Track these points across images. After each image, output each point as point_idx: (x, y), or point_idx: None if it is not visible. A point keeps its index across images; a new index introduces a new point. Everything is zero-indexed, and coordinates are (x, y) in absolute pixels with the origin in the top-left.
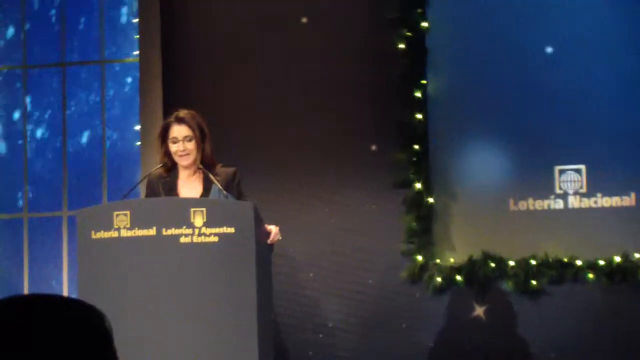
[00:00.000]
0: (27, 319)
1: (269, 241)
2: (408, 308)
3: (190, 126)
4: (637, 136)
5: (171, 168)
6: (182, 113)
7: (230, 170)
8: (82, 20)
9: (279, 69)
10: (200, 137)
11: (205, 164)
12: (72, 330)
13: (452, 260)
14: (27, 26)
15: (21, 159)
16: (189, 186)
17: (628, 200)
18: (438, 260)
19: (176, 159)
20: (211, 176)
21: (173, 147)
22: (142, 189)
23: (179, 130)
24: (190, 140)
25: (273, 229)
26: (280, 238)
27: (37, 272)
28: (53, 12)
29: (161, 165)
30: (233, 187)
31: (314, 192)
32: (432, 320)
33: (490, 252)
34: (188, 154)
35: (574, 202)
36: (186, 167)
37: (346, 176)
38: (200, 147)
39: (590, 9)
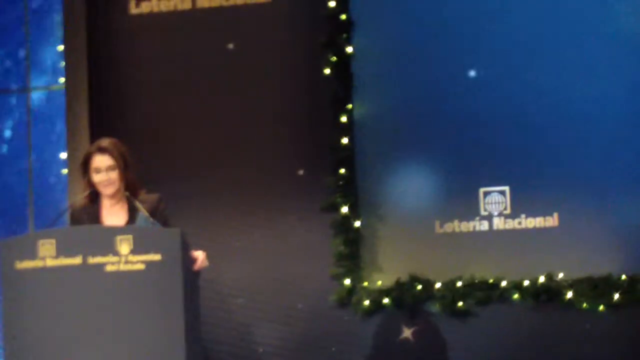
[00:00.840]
0: None
1: (195, 267)
2: (337, 331)
3: (112, 156)
4: (559, 156)
5: (95, 198)
6: (104, 142)
7: (155, 196)
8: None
9: (205, 94)
10: (123, 165)
11: (130, 192)
12: None
13: (379, 283)
14: None
15: None
16: (114, 215)
17: (551, 221)
18: (366, 284)
19: (100, 188)
20: (137, 203)
21: (96, 178)
22: (68, 218)
23: (101, 160)
24: (113, 170)
25: (200, 254)
26: (207, 264)
27: None
28: None
29: (84, 195)
30: (158, 213)
31: (242, 217)
32: (362, 343)
33: (417, 275)
34: (111, 184)
35: (498, 223)
36: (110, 196)
37: (275, 200)
38: (124, 176)
39: (514, 30)
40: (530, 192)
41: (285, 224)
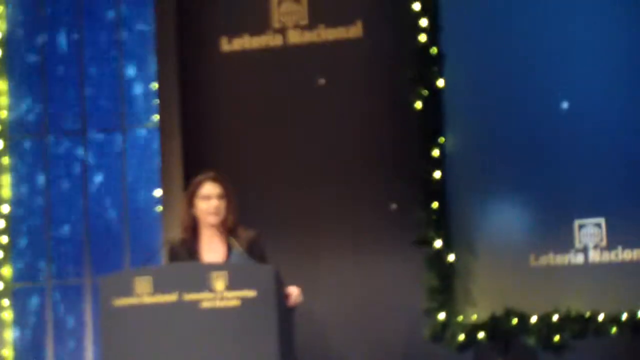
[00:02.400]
0: None
1: (290, 303)
2: None
3: (222, 185)
4: None
5: (194, 231)
6: (214, 173)
7: (253, 232)
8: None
9: (297, 129)
10: (231, 196)
11: (230, 225)
12: None
13: (474, 317)
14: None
15: (44, 226)
16: (212, 250)
17: None
18: (460, 318)
19: (205, 217)
20: (232, 240)
21: (204, 205)
22: (166, 253)
23: (212, 188)
24: (222, 198)
25: (294, 290)
26: (302, 299)
27: (61, 341)
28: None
29: (184, 228)
30: (255, 250)
31: (335, 251)
32: None
33: (512, 308)
34: (218, 213)
35: (594, 256)
36: (212, 227)
37: (367, 235)
38: (230, 208)
39: (607, 62)
40: (627, 223)
41: (378, 258)
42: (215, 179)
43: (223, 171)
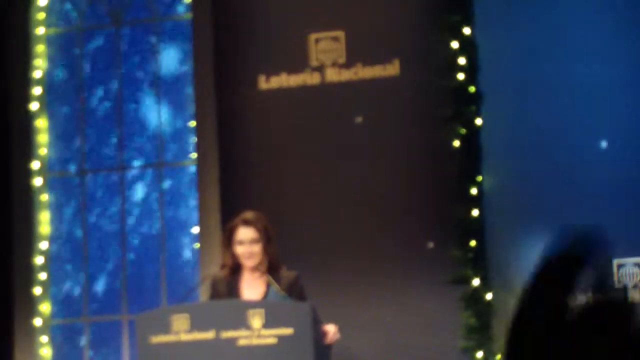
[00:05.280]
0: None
1: (327, 341)
2: None
3: (257, 229)
4: None
5: (235, 269)
6: (249, 215)
7: (293, 274)
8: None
9: (333, 168)
10: (266, 239)
11: (271, 266)
12: None
13: None
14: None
15: (83, 263)
16: (253, 288)
17: None
18: (498, 357)
19: (242, 260)
20: (269, 277)
21: (239, 249)
22: (208, 288)
23: (245, 233)
24: (256, 243)
25: (331, 328)
26: (339, 337)
27: None
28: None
29: (222, 266)
30: (294, 290)
31: (371, 289)
32: None
33: None
34: (252, 257)
35: (634, 295)
36: (251, 269)
37: (404, 273)
38: (266, 250)
39: None
40: None
41: (415, 297)
42: (248, 223)
43: (260, 208)
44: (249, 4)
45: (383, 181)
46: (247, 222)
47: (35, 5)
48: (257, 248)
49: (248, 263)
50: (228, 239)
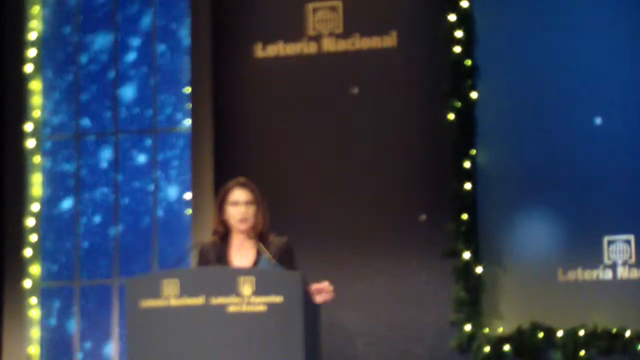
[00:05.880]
0: None
1: (320, 300)
2: None
3: (252, 191)
4: None
5: (224, 236)
6: (243, 179)
7: (284, 239)
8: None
9: (328, 138)
10: (258, 203)
11: (261, 232)
12: None
13: (500, 329)
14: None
15: (74, 225)
16: (242, 255)
17: None
18: (487, 330)
19: (234, 223)
20: (260, 245)
21: (233, 211)
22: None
23: (240, 194)
24: (251, 205)
25: (326, 286)
26: (332, 296)
27: (88, 341)
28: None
29: (214, 232)
30: (285, 257)
31: (363, 261)
32: None
33: (539, 322)
34: (246, 219)
35: (623, 272)
36: (241, 233)
37: (396, 246)
38: (259, 214)
39: (639, 76)
40: None
41: (406, 269)
42: (244, 185)
43: (253, 176)
44: None
45: (377, 152)
46: (242, 185)
47: None
48: (251, 210)
49: (241, 226)
50: (222, 200)
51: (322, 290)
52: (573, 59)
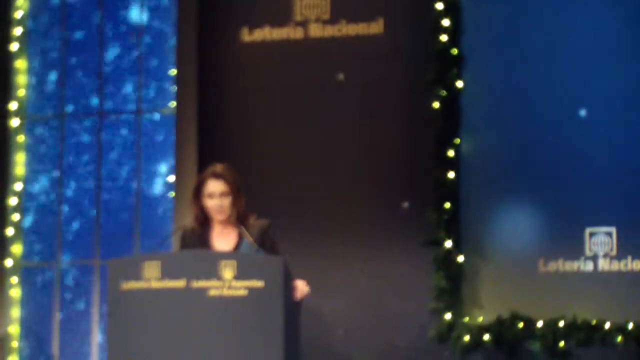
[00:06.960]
0: None
1: (297, 295)
2: None
3: (226, 181)
4: None
5: (205, 221)
6: (219, 168)
7: (265, 222)
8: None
9: (312, 123)
10: (236, 192)
11: (240, 217)
12: None
13: (480, 319)
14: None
15: (56, 205)
16: (223, 239)
17: None
18: (467, 319)
19: (212, 214)
20: (243, 230)
21: (209, 202)
22: (178, 239)
23: (215, 186)
24: (226, 196)
25: (300, 283)
26: (308, 292)
27: (68, 321)
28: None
29: (195, 219)
30: (266, 239)
31: (345, 248)
32: None
33: (518, 312)
34: (222, 211)
35: (604, 264)
36: (221, 221)
37: (377, 233)
38: (235, 203)
39: (626, 72)
40: (637, 234)
41: (387, 257)
42: (219, 176)
43: (237, 161)
44: None
45: (360, 139)
46: (217, 175)
47: None
48: (226, 202)
49: (217, 216)
50: (197, 191)
51: (297, 289)
52: (559, 50)
